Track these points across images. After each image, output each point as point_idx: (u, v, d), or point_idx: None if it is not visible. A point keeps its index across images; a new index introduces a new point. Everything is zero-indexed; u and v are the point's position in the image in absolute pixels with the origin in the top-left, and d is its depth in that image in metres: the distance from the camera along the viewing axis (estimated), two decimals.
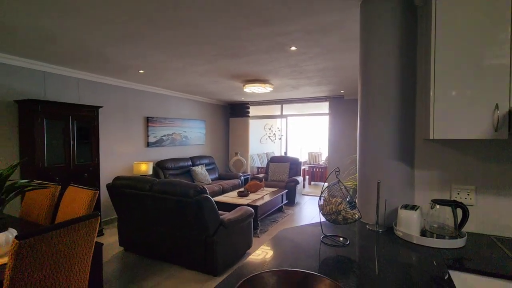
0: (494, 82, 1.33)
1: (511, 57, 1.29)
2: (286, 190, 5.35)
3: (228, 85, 5.07)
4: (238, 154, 7.18)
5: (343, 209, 1.45)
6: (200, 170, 5.77)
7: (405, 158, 1.76)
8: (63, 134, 3.50)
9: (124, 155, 4.70)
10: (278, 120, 8.37)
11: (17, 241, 1.14)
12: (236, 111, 7.66)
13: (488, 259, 1.31)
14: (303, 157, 9.62)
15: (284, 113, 7.46)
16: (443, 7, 1.41)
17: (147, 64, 3.58)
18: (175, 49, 2.97)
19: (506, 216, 1.58)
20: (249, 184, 4.89)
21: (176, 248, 2.92)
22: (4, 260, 1.48)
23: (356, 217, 1.49)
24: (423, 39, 1.72)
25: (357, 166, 1.94)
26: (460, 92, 1.40)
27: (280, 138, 8.51)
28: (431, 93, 1.46)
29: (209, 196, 2.68)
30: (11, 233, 1.58)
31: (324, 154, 9.65)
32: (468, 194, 1.66)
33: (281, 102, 7.17)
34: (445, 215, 1.51)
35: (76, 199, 2.14)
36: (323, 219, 1.63)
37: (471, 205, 1.65)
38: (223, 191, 5.34)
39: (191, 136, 6.35)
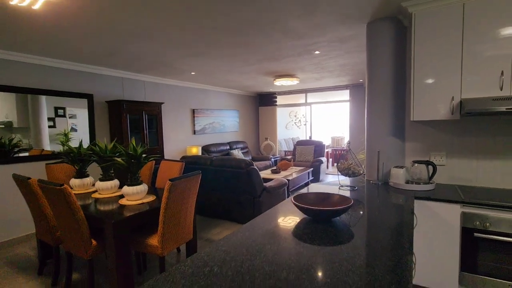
0: (451, 81, 2.09)
1: (462, 66, 2.04)
2: (312, 169, 6.20)
3: (262, 80, 5.92)
4: (268, 139, 8.07)
5: (352, 167, 2.30)
6: (237, 153, 6.74)
7: (398, 134, 2.55)
8: (139, 125, 4.57)
9: (177, 141, 5.76)
10: (303, 107, 9.10)
11: (170, 182, 2.12)
12: (265, 100, 8.51)
13: (444, 195, 2.11)
14: (326, 141, 10.33)
15: (308, 101, 8.20)
16: (418, 29, 2.17)
17: (200, 68, 4.51)
18: (227, 58, 3.86)
19: (465, 172, 2.35)
20: (280, 163, 5.79)
21: (230, 208, 3.91)
22: (147, 200, 2.50)
23: (361, 172, 2.33)
24: (409, 49, 2.46)
25: (365, 141, 2.74)
26: (429, 88, 2.17)
27: (305, 124, 9.27)
28: (411, 89, 2.24)
29: (256, 168, 3.61)
30: (145, 185, 2.59)
31: (346, 138, 10.29)
32: (441, 158, 2.43)
33: (305, 91, 7.89)
34: (421, 170, 2.31)
35: (170, 168, 3.14)
36: (341, 177, 2.49)
37: (443, 165, 2.43)
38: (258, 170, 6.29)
39: (227, 124, 7.32)
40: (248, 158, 7.28)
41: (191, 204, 2.46)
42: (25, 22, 2.43)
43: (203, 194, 4.13)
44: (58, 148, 3.92)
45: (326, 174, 7.51)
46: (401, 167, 2.39)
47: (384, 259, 1.12)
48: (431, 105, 2.18)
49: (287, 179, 5.00)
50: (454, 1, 2.03)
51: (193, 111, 6.16)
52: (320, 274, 1.02)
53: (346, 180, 2.64)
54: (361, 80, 6.44)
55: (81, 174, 2.94)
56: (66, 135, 4.30)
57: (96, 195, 2.73)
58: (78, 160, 2.87)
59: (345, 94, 7.45)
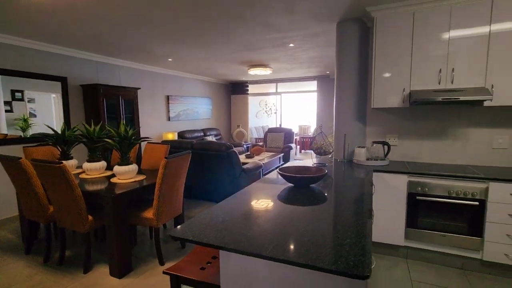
0: (403, 76, 2.55)
1: (411, 63, 2.50)
2: (282, 154, 6.64)
3: (236, 68, 6.13)
4: (240, 127, 8.35)
5: (324, 146, 2.70)
6: (211, 139, 6.94)
7: (361, 120, 3.00)
8: (115, 110, 4.57)
9: (153, 127, 5.80)
10: (273, 96, 9.48)
11: (166, 160, 2.33)
12: (237, 89, 8.72)
13: (395, 167, 2.60)
14: (294, 129, 10.89)
15: (278, 90, 8.58)
16: (378, 30, 2.59)
17: (179, 55, 4.60)
18: (207, 46, 4.02)
19: (413, 150, 2.87)
20: (254, 149, 6.13)
21: (211, 189, 4.16)
22: (138, 178, 2.67)
23: (331, 151, 2.74)
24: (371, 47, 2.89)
25: (333, 126, 3.17)
26: (386, 81, 2.62)
27: (275, 112, 9.68)
28: (372, 81, 2.67)
29: (235, 151, 3.90)
30: (135, 165, 2.75)
31: (312, 126, 10.94)
32: (394, 139, 2.94)
33: (276, 81, 8.25)
34: (379, 149, 2.79)
35: (155, 151, 3.30)
36: (313, 155, 2.89)
37: (396, 145, 2.94)
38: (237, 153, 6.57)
39: (201, 111, 7.44)
40: None
41: (181, 181, 2.69)
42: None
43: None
44: (17, 133, 3.73)
45: (295, 159, 8.04)
46: (363, 147, 2.85)
47: (351, 209, 1.50)
48: (387, 95, 2.64)
49: (262, 163, 5.36)
50: (407, 9, 2.47)
51: (168, 98, 6.19)
52: (304, 218, 1.37)
53: (319, 160, 3.05)
54: (327, 72, 6.95)
55: (66, 156, 2.99)
56: (25, 120, 4.13)
57: (83, 176, 2.83)
58: (63, 142, 2.91)
59: (313, 85, 7.96)
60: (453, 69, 2.39)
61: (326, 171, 1.95)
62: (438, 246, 2.40)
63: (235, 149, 7.15)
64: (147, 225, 2.48)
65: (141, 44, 3.84)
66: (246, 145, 7.84)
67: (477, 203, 2.22)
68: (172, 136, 5.64)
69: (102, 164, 2.89)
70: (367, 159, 2.79)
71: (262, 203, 1.60)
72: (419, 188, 2.40)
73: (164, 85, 6.08)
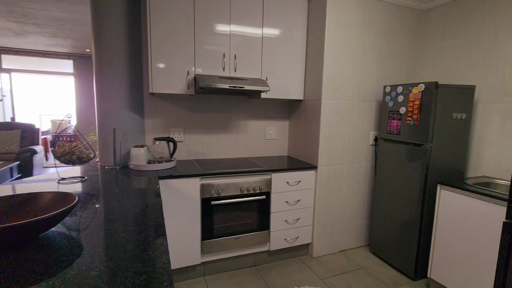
0: (187, 57, 2.04)
1: (195, 43, 2.03)
2: (18, 162, 4.38)
3: None
4: None
5: (77, 150, 1.65)
6: None
7: (136, 109, 2.20)
8: None
9: None
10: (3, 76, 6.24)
11: None
12: None
13: (185, 170, 2.07)
14: (45, 126, 7.95)
15: (4, 66, 5.70)
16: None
17: None
18: None
19: (199, 146, 2.49)
20: None
21: None
22: None
23: (92, 156, 1.74)
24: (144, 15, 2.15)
25: (96, 118, 2.14)
26: (168, 60, 1.99)
27: (1, 100, 6.45)
28: (149, 59, 1.95)
29: None
30: None
31: (74, 121, 8.53)
32: (180, 134, 2.41)
33: None
34: (163, 148, 2.14)
35: None
36: (58, 163, 1.73)
37: (182, 141, 2.43)
38: None
39: None
40: None
41: None
42: None
43: None
44: None
45: (45, 167, 5.75)
46: (142, 146, 2.08)
47: (127, 267, 0.72)
48: (169, 78, 2.03)
49: None
50: None
51: None
52: None
53: (73, 171, 1.91)
54: (88, 50, 5.39)
55: None
56: None
57: None
58: None
59: (68, 66, 5.98)
60: (235, 56, 2.18)
61: (76, 198, 1.01)
62: (233, 251, 2.15)
63: None
64: None
65: None
66: None
67: (264, 196, 2.16)
68: None
69: None
70: (149, 162, 2.07)
71: None
72: (213, 191, 2.01)
73: None
